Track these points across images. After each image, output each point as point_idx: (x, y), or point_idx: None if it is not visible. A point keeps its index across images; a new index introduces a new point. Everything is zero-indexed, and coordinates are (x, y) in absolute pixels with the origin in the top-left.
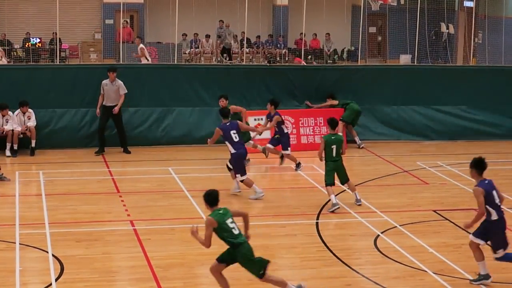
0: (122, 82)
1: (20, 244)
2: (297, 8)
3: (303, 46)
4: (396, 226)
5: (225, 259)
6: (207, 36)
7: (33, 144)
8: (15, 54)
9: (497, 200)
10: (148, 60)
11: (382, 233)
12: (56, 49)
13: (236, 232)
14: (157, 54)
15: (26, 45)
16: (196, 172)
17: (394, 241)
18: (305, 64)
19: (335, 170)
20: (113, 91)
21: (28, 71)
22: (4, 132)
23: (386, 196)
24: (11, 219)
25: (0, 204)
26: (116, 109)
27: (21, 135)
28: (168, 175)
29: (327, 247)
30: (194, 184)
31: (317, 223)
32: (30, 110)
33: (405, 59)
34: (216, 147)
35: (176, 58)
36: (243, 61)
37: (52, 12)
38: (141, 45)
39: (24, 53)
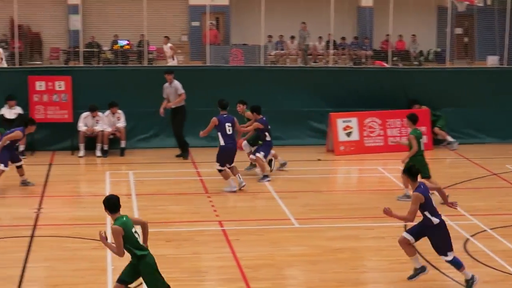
0: (178, 83)
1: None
2: (382, 9)
3: (389, 48)
4: (485, 230)
5: (126, 278)
6: (292, 38)
7: (122, 145)
8: (104, 56)
9: (434, 204)
10: (173, 59)
11: (471, 236)
12: (144, 51)
13: (140, 241)
14: (243, 56)
15: (114, 48)
16: (282, 173)
17: (484, 245)
18: (387, 66)
19: (424, 165)
20: (172, 93)
21: (117, 73)
22: (94, 133)
23: (475, 199)
24: (102, 219)
25: (91, 203)
26: (170, 104)
27: (111, 136)
28: (255, 176)
29: (416, 250)
30: (281, 185)
31: (405, 225)
32: (119, 111)
33: (492, 60)
34: (303, 148)
35: (262, 59)
36: (328, 63)
37: (140, 14)
38: (169, 44)
39: (112, 55)
